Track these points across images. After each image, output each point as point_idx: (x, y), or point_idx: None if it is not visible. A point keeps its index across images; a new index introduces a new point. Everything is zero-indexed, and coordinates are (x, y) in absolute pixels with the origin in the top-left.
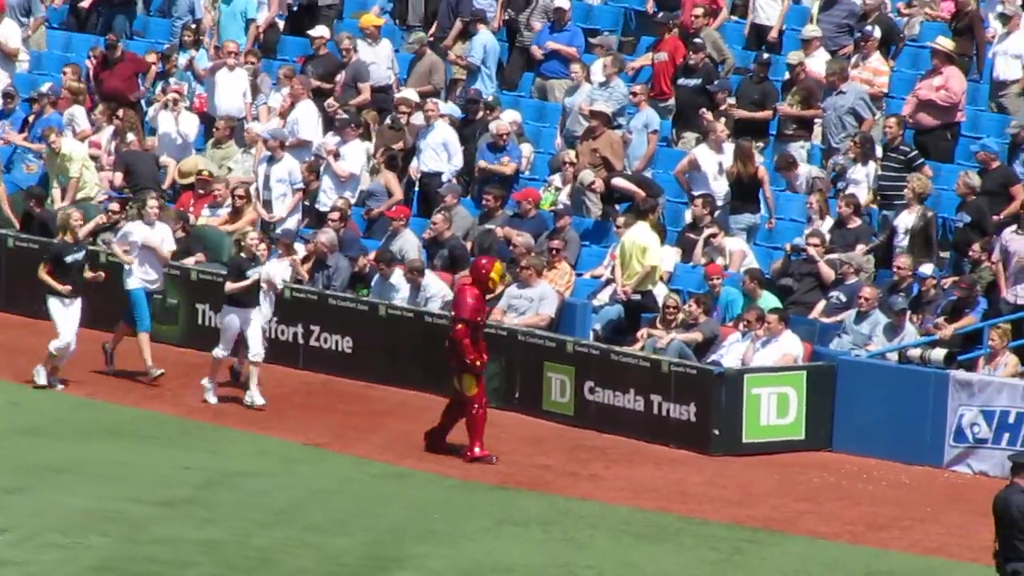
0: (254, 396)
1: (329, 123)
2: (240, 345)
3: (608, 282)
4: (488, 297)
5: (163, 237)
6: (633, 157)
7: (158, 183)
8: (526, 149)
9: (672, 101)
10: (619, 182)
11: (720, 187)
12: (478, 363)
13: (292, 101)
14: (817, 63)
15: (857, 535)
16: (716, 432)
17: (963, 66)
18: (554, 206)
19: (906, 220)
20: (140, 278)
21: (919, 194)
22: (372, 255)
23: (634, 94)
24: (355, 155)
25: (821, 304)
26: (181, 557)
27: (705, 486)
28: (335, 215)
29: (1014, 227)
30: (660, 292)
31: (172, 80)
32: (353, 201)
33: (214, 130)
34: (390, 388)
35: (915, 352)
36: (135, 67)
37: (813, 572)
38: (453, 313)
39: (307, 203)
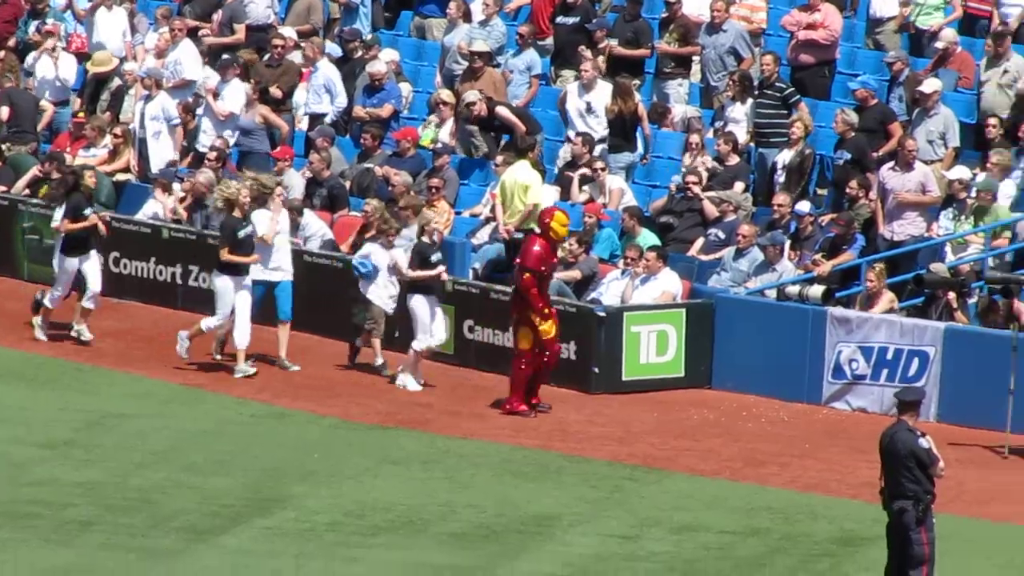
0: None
1: (210, 62)
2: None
3: (488, 221)
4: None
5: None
6: (512, 96)
7: (35, 124)
8: (404, 88)
9: (551, 40)
10: (502, 111)
11: (591, 125)
12: (546, 310)
13: (170, 41)
14: (694, 1)
15: (736, 472)
16: (596, 370)
17: (839, 3)
18: (433, 144)
19: (784, 157)
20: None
21: (808, 132)
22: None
23: (520, 36)
24: (234, 95)
25: (700, 242)
26: (61, 499)
27: (585, 424)
28: (213, 155)
29: (891, 164)
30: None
31: (50, 21)
32: (232, 142)
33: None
34: (269, 328)
35: (793, 289)
36: (14, 11)
37: (692, 509)
38: (519, 262)
39: (186, 143)
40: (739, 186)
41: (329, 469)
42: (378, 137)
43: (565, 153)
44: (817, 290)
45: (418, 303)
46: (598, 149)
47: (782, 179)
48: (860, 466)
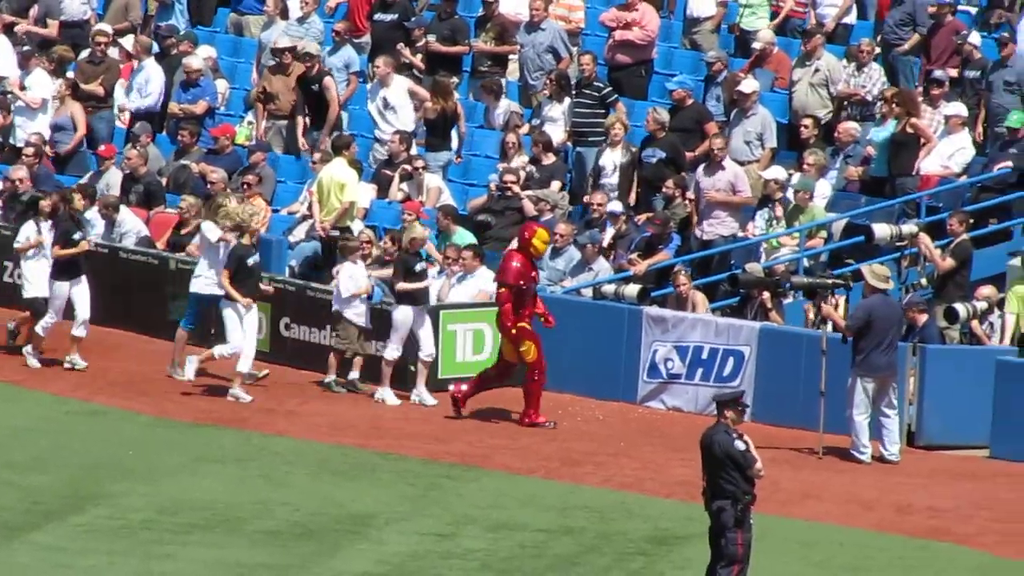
0: None
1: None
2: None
3: (304, 218)
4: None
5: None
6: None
7: None
8: (221, 85)
9: (368, 37)
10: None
11: (391, 122)
12: (513, 330)
13: None
14: (512, 0)
15: (552, 470)
16: (412, 368)
17: (656, 2)
18: (249, 141)
19: (613, 157)
20: None
21: (627, 130)
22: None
23: (336, 33)
24: (40, 84)
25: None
26: None
27: (402, 422)
28: (30, 151)
29: (705, 164)
30: (357, 228)
31: None
32: (48, 137)
33: None
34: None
35: (609, 288)
36: None
37: (508, 507)
38: (496, 278)
39: (2, 139)
40: (555, 185)
41: (145, 466)
42: (195, 134)
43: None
44: (633, 289)
45: (403, 314)
46: (415, 147)
47: (615, 180)
48: (674, 465)
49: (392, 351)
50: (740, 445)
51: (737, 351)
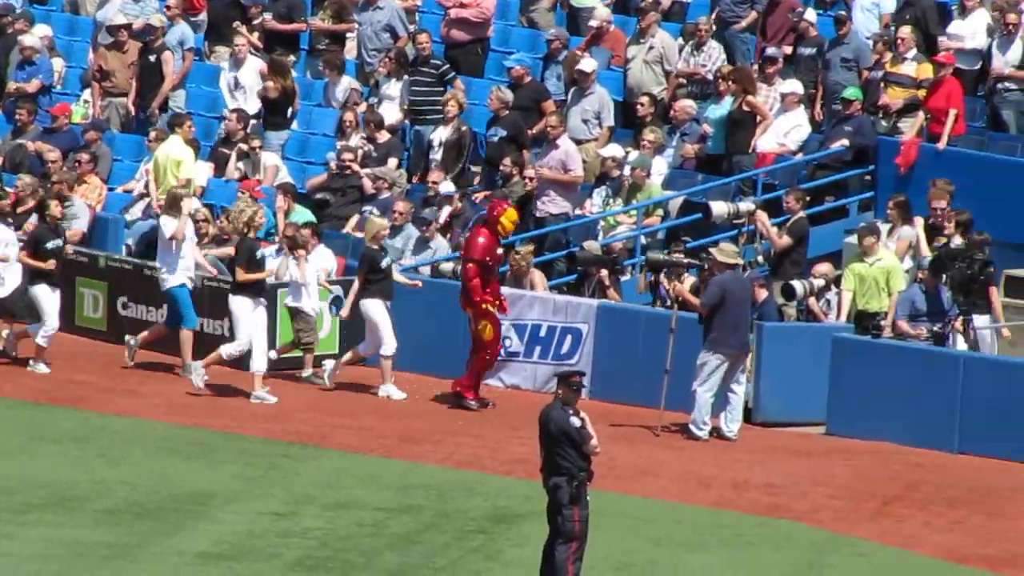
0: None
1: None
2: None
3: (142, 196)
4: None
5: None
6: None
7: None
8: (57, 63)
9: (204, 15)
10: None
11: (240, 101)
12: (483, 305)
13: None
14: None
15: (391, 449)
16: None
17: None
18: (85, 120)
19: (441, 134)
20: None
21: (462, 109)
22: None
23: (168, 8)
24: None
25: (355, 218)
26: None
27: (242, 401)
28: None
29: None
30: (193, 206)
31: None
32: None
33: None
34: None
35: (447, 266)
36: None
37: (347, 485)
38: (462, 254)
39: None
40: (392, 163)
41: None
42: (32, 112)
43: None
44: None
45: (373, 307)
46: (252, 125)
47: (439, 156)
48: (513, 443)
49: (387, 348)
50: (575, 422)
51: (575, 329)
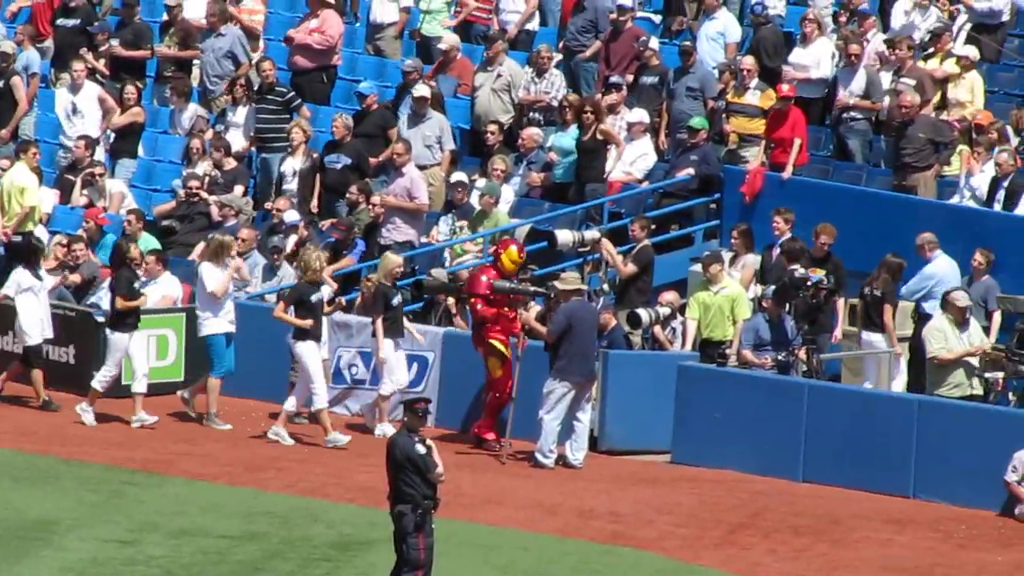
0: None
1: None
2: None
3: None
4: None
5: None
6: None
7: None
8: None
9: (50, 42)
10: None
11: (78, 127)
12: (491, 341)
13: None
14: (195, 5)
15: (235, 476)
16: (96, 374)
17: (340, 8)
18: None
19: (294, 163)
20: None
21: (307, 137)
22: None
23: (17, 34)
24: None
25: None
26: None
27: (86, 429)
28: None
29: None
30: (39, 233)
31: None
32: None
33: None
34: None
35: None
36: None
37: (191, 513)
38: (467, 290)
39: None
40: (239, 190)
41: None
42: None
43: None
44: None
45: (386, 346)
46: (99, 153)
47: (294, 186)
48: (358, 470)
49: (387, 386)
50: (420, 449)
51: (421, 356)
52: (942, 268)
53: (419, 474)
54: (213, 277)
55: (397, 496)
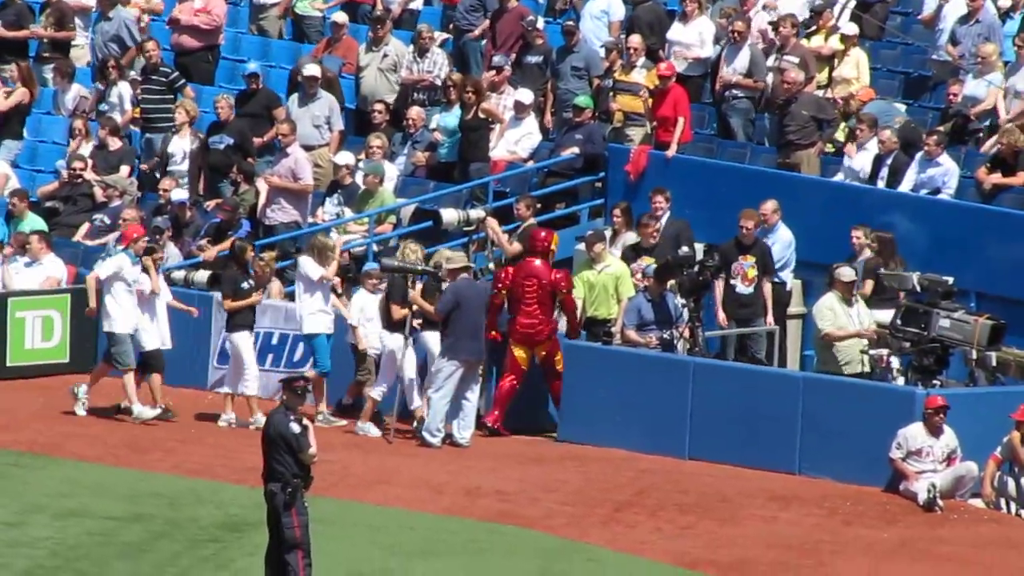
0: None
1: None
2: None
3: None
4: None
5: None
6: None
7: None
8: None
9: None
10: None
11: None
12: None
13: None
14: None
15: (120, 457)
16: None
17: None
18: None
19: (182, 144)
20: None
21: (192, 118)
22: None
23: None
24: None
25: (85, 227)
26: None
27: None
28: None
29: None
30: None
31: None
32: None
33: None
34: None
35: (179, 274)
36: None
37: (77, 495)
38: (563, 287)
39: None
40: (124, 170)
41: None
42: None
43: None
44: (203, 275)
45: (393, 341)
46: None
47: (184, 167)
48: (245, 451)
49: (377, 391)
50: (295, 427)
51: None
52: (789, 234)
53: (291, 453)
54: (315, 270)
55: (269, 474)
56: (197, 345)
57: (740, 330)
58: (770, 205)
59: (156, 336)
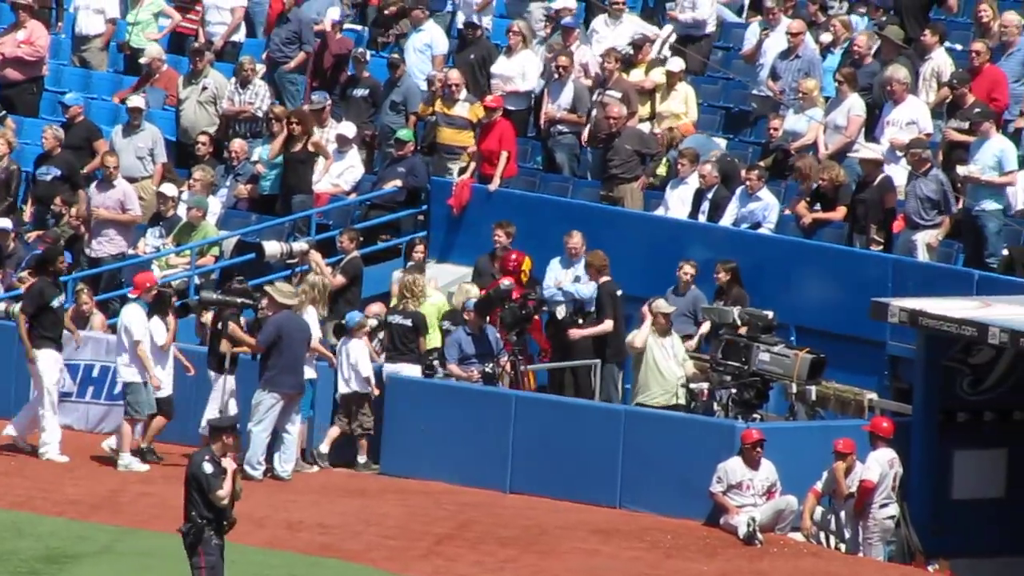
0: None
1: None
2: None
3: None
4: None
5: None
6: None
7: None
8: None
9: None
10: None
11: None
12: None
13: None
14: None
15: None
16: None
17: (46, 19)
18: None
19: None
20: None
21: (11, 148)
22: None
23: None
24: None
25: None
26: None
27: None
28: None
29: (97, 181)
30: None
31: None
32: None
33: None
34: None
35: (0, 307)
36: None
37: None
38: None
39: None
40: None
41: None
42: None
43: None
44: (16, 307)
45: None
46: None
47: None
48: (66, 483)
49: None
50: (207, 468)
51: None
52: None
53: (200, 492)
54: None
55: (185, 513)
56: (16, 375)
57: (561, 364)
58: (576, 239)
59: (169, 383)
